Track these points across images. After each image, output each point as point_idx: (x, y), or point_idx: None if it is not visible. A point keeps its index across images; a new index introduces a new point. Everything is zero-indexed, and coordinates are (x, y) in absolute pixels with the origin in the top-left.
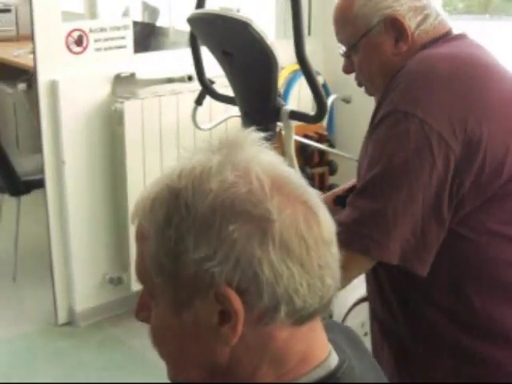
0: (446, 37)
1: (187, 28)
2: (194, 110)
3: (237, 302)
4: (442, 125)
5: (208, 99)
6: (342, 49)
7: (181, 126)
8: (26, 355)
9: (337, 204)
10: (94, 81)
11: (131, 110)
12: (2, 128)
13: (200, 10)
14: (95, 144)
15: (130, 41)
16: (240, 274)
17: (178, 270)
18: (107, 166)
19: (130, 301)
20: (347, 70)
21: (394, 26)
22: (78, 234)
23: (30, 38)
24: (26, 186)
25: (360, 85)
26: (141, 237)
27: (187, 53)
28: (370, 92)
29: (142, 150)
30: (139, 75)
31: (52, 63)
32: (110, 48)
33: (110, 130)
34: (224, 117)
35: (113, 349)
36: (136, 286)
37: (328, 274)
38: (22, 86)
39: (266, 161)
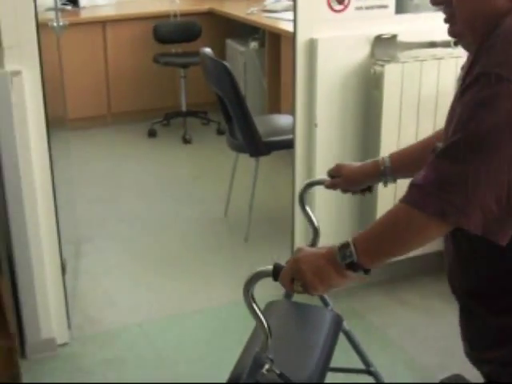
0: None
1: None
2: None
3: None
4: None
5: None
6: None
7: (440, 94)
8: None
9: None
10: (354, 41)
11: (391, 73)
12: None
13: None
14: (349, 107)
15: (391, 0)
16: None
17: None
18: (360, 130)
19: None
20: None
21: None
22: (323, 198)
23: None
24: (267, 147)
25: (454, 35)
26: None
27: None
28: (465, 45)
29: (399, 116)
30: (401, 37)
31: (312, 21)
32: (371, 7)
33: (367, 93)
34: None
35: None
36: None
37: None
38: (253, 44)
39: None
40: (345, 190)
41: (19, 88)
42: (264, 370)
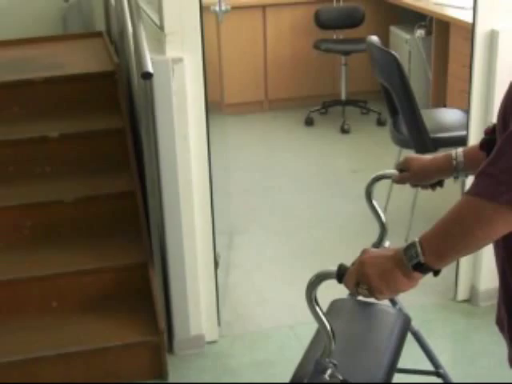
0: None
1: None
2: None
3: None
4: None
5: None
6: None
7: None
8: (421, 327)
9: (484, 147)
10: None
11: None
12: None
13: None
14: None
15: None
16: None
17: None
18: None
19: None
20: None
21: None
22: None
23: None
24: (435, 143)
25: None
26: None
27: None
28: None
29: None
30: None
31: (493, 10)
32: None
33: None
34: None
35: None
36: None
37: None
38: (419, 32)
39: None
40: (415, 185)
41: (180, 75)
42: (326, 376)
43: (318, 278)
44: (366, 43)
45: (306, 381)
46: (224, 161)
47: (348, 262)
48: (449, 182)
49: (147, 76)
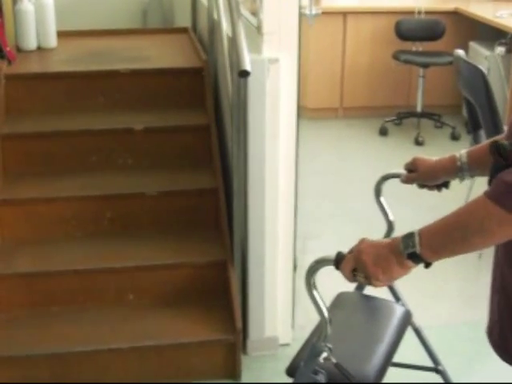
0: None
1: None
2: None
3: None
4: None
5: None
6: None
7: None
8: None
9: (492, 152)
10: None
11: None
12: None
13: None
14: None
15: None
16: None
17: None
18: None
19: None
20: None
21: None
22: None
23: None
24: None
25: None
26: None
27: None
28: None
29: None
30: None
31: None
32: None
33: None
34: None
35: None
36: None
37: None
38: (499, 49)
39: None
40: (421, 185)
41: (275, 76)
42: (321, 359)
43: (317, 264)
44: (454, 56)
45: (302, 363)
46: (302, 165)
47: (422, 275)
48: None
49: (245, 74)
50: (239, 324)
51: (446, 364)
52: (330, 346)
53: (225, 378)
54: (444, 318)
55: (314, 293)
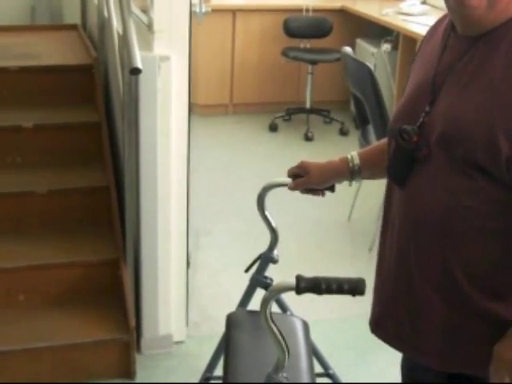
0: None
1: None
2: None
3: None
4: None
5: None
6: None
7: None
8: None
9: (396, 136)
10: None
11: None
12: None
13: None
14: None
15: None
16: None
17: None
18: None
19: None
20: None
21: None
22: None
23: None
24: None
25: None
26: None
27: None
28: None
29: None
30: None
31: None
32: None
33: None
34: None
35: None
36: None
37: None
38: (385, 46)
39: None
40: (307, 191)
41: (166, 73)
42: None
43: (275, 292)
44: (341, 53)
45: None
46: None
47: (314, 264)
48: None
49: (136, 72)
50: (133, 322)
51: (343, 357)
52: (286, 375)
53: (120, 377)
54: (336, 312)
55: (271, 325)
